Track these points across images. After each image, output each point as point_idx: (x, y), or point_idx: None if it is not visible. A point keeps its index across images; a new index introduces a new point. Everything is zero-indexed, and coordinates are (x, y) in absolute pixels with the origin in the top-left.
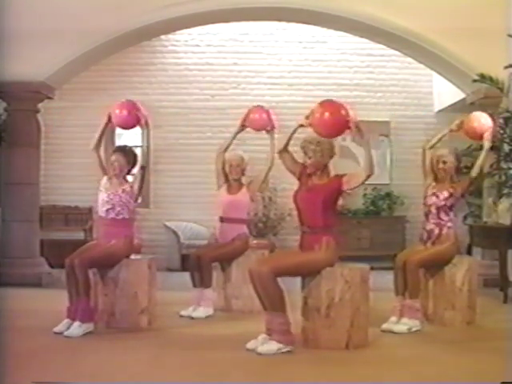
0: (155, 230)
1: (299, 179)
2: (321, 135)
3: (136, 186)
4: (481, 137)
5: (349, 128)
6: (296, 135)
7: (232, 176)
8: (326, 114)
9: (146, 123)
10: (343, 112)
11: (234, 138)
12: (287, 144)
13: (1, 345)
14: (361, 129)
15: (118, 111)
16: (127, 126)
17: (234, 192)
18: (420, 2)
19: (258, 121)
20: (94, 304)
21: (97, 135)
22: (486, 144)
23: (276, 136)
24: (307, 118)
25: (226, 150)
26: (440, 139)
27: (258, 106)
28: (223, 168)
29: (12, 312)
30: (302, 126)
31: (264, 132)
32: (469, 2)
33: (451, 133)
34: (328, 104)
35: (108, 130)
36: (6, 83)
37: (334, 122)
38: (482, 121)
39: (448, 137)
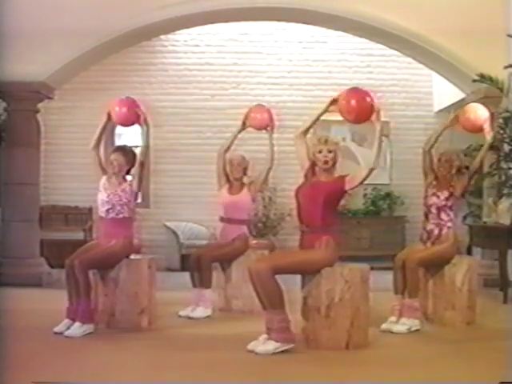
0: (155, 230)
1: (305, 175)
2: (348, 120)
3: (135, 183)
4: (479, 129)
5: (371, 115)
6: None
7: (233, 175)
8: (353, 102)
9: (145, 120)
10: (369, 99)
11: (235, 137)
12: (310, 127)
13: (1, 345)
14: (380, 117)
15: (117, 108)
16: (127, 123)
17: (235, 192)
18: (420, 2)
19: (260, 120)
20: (94, 304)
21: (96, 134)
22: (487, 137)
23: (275, 136)
24: (335, 101)
25: (227, 149)
26: (438, 138)
27: (259, 104)
28: (224, 168)
29: (12, 312)
30: (332, 103)
31: (264, 132)
32: (469, 2)
33: (450, 128)
34: (355, 91)
35: (108, 130)
36: (6, 83)
37: (361, 108)
38: (478, 112)
39: (448, 136)
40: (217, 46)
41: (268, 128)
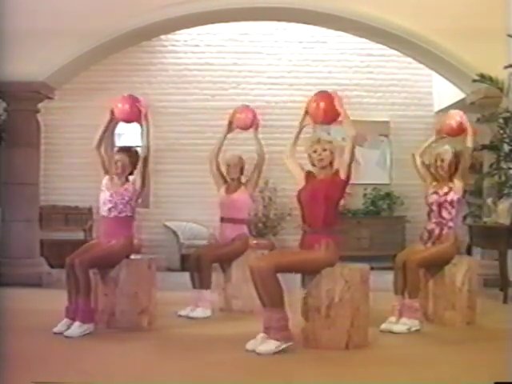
0: (155, 230)
1: (306, 183)
2: (316, 122)
3: (138, 181)
4: (461, 131)
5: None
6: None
7: (230, 176)
8: (322, 104)
9: (146, 117)
10: (336, 101)
11: (223, 139)
12: (295, 144)
13: (1, 345)
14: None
15: (120, 105)
16: (129, 120)
17: (232, 191)
18: (420, 2)
19: (244, 120)
20: (94, 304)
21: (99, 132)
22: (469, 139)
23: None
24: (307, 112)
25: (218, 153)
26: (428, 147)
27: (244, 105)
28: (218, 170)
29: (12, 312)
30: (303, 123)
31: (253, 131)
32: (469, 3)
33: (441, 138)
34: (322, 94)
35: (110, 129)
36: (6, 83)
37: (327, 109)
38: (458, 118)
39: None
40: (217, 46)
41: (253, 127)
